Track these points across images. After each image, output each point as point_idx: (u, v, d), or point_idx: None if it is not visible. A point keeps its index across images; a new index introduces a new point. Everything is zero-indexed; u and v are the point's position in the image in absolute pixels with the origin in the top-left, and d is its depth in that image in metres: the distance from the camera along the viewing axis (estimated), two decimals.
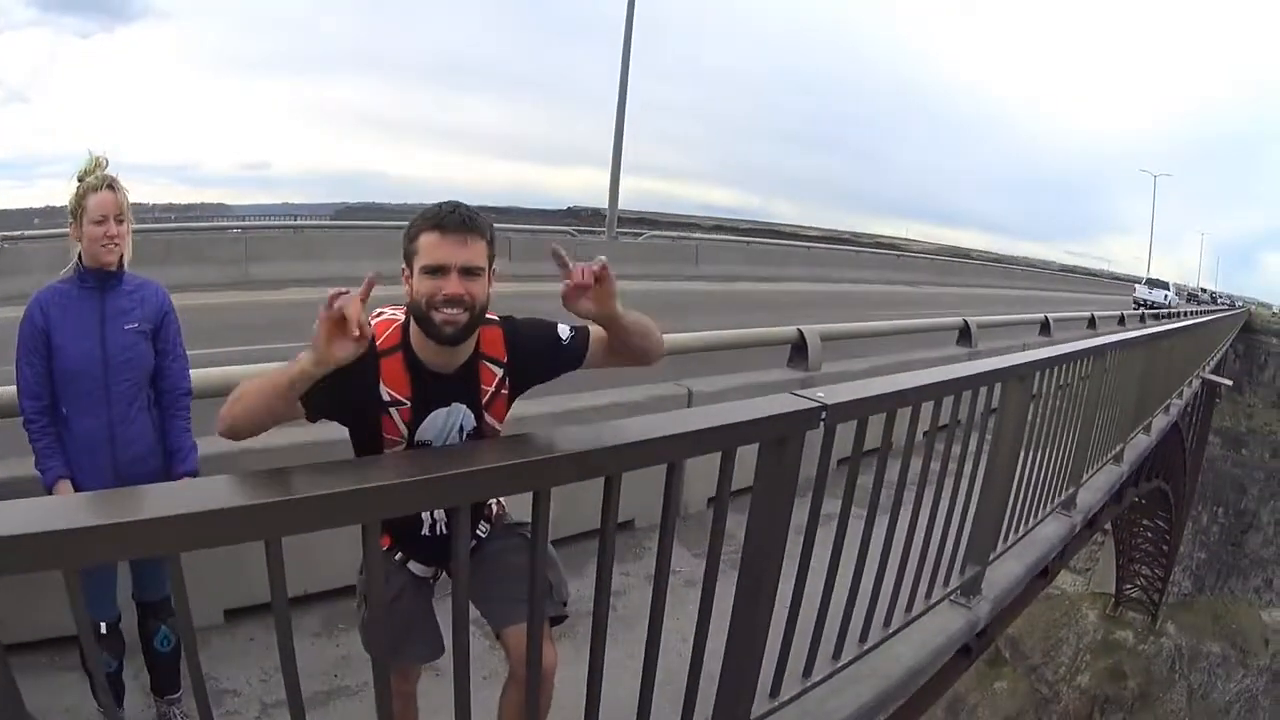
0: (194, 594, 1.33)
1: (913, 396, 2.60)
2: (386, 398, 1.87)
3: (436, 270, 1.79)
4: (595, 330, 1.99)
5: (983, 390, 3.18)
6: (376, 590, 1.67)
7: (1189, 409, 21.70)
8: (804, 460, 2.08)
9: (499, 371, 1.96)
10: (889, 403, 2.47)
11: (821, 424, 2.08)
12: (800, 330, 6.01)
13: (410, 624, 2.13)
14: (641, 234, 26.01)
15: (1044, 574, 7.68)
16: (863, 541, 2.62)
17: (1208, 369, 16.11)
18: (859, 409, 2.28)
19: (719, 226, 54.14)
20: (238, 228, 17.09)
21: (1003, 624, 6.32)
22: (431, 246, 1.79)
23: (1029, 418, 3.69)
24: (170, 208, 48.02)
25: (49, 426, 2.47)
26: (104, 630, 2.54)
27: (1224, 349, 25.12)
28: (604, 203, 21.89)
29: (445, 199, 1.84)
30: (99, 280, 2.51)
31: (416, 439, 1.91)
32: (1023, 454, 3.77)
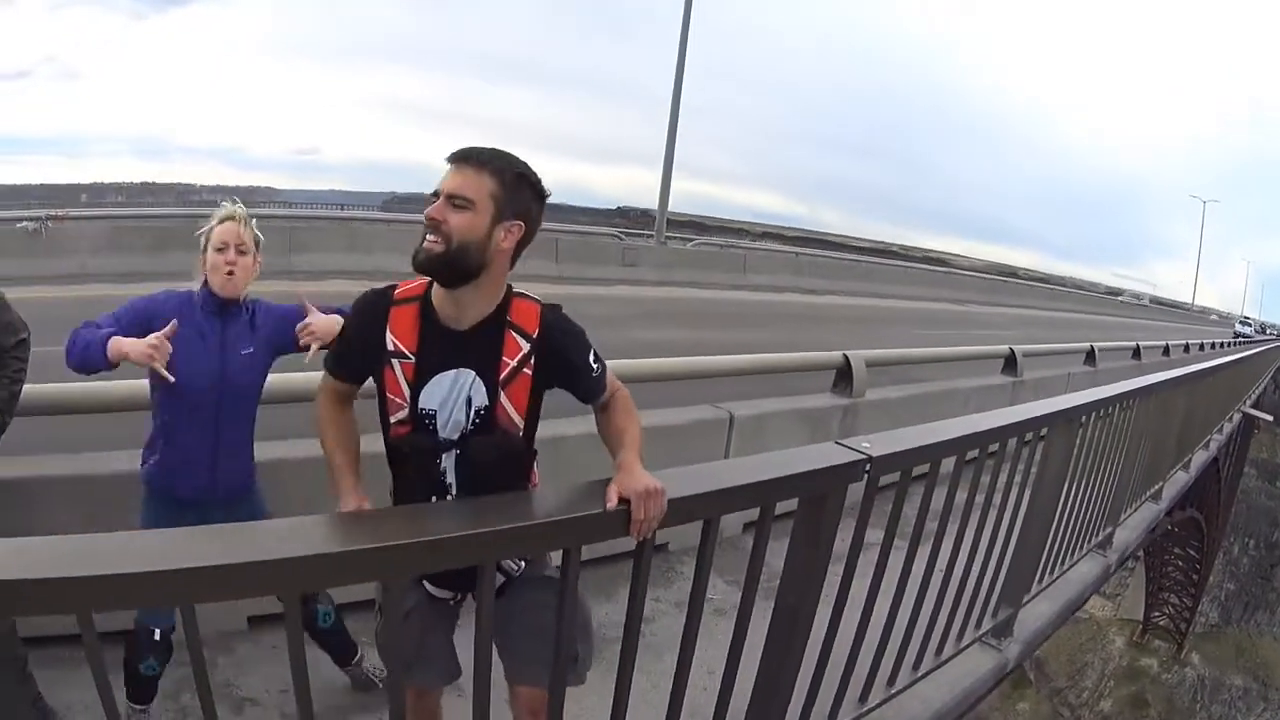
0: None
1: (961, 445, 2.53)
2: (390, 347, 1.78)
3: (434, 196, 1.72)
4: (616, 394, 1.95)
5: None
6: (394, 611, 1.68)
7: (1226, 440, 21.39)
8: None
9: (525, 346, 1.79)
10: (935, 453, 2.40)
11: (865, 475, 2.02)
12: (846, 355, 5.92)
13: (423, 644, 2.00)
14: (690, 240, 25.95)
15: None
16: (900, 582, 2.57)
17: (1249, 403, 15.84)
18: (905, 460, 2.23)
19: (767, 234, 53.98)
20: (283, 217, 17.24)
21: (1030, 649, 6.25)
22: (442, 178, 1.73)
23: (1073, 460, 3.61)
24: (219, 189, 48.58)
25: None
26: (158, 637, 2.59)
27: (1265, 381, 24.66)
28: (652, 203, 21.99)
29: None
30: (219, 307, 2.56)
31: (420, 407, 1.79)
32: (1064, 489, 3.70)
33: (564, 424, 3.46)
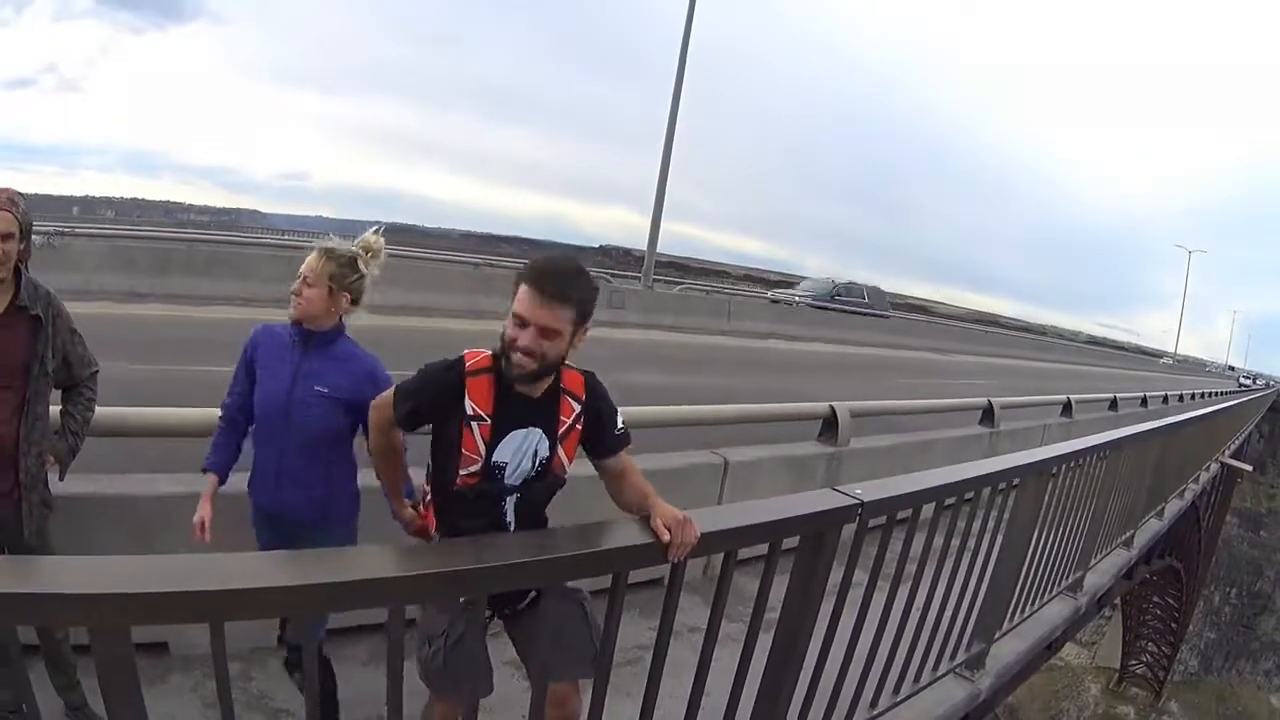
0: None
1: (940, 493, 2.89)
2: (470, 411, 2.08)
3: (521, 321, 2.03)
4: (623, 456, 2.28)
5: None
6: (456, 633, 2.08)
7: (1207, 490, 21.68)
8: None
9: (577, 407, 2.18)
10: (918, 499, 2.78)
11: (857, 518, 2.37)
12: (832, 406, 6.28)
13: (469, 665, 2.22)
14: (676, 284, 26.50)
15: (1048, 646, 7.86)
16: (883, 615, 2.89)
17: (1228, 453, 16.15)
18: (892, 505, 2.60)
19: (749, 277, 54.41)
20: (283, 244, 17.49)
21: (1003, 694, 6.48)
22: (524, 298, 2.03)
23: (1044, 508, 3.94)
24: (206, 210, 49.00)
25: (227, 428, 2.86)
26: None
27: (1247, 431, 25.03)
28: (635, 243, 22.24)
29: (537, 248, 2.23)
30: (302, 336, 2.75)
31: (494, 459, 2.12)
32: (1035, 535, 4.02)
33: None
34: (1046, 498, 3.95)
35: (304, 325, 2.74)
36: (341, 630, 3.49)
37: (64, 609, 1.33)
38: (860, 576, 2.68)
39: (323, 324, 2.76)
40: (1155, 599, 25.67)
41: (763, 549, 2.24)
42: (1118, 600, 20.11)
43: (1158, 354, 66.83)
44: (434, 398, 2.14)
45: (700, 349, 14.98)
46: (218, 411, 2.91)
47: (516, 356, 2.03)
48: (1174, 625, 27.68)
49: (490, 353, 2.14)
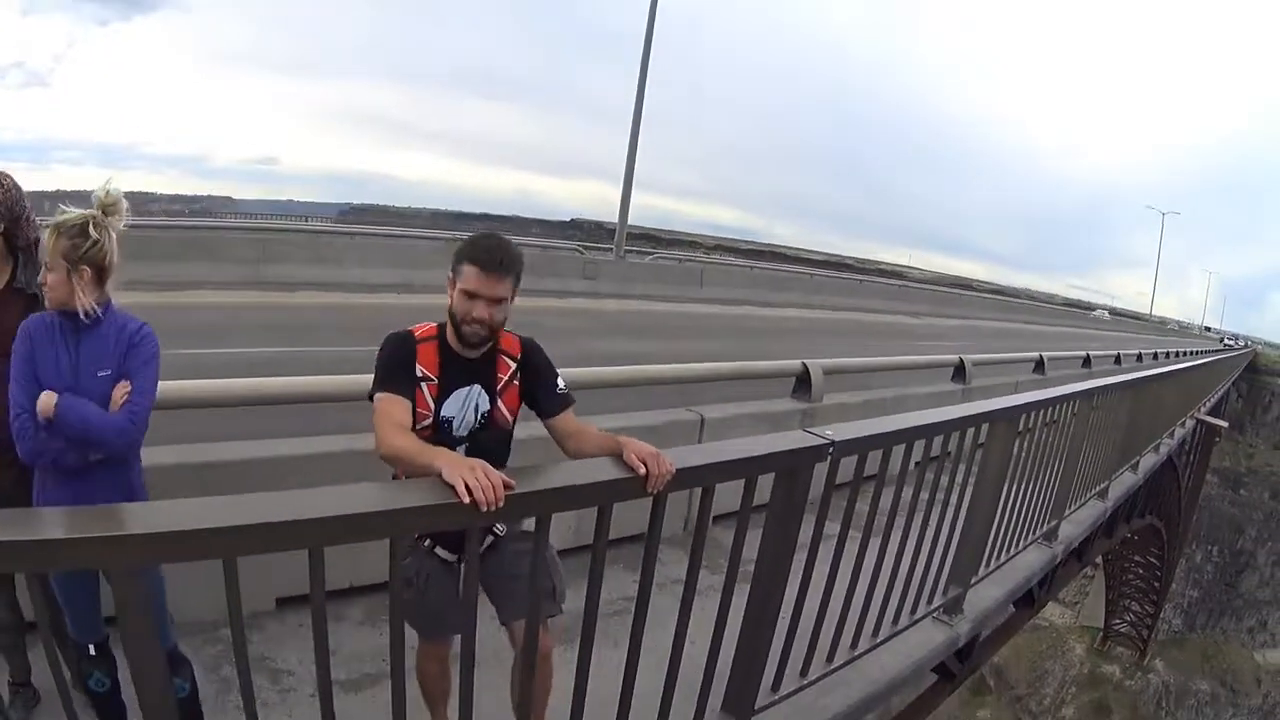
0: (247, 582, 1.61)
1: (910, 435, 2.99)
2: (419, 374, 2.39)
3: (472, 295, 2.34)
4: (569, 416, 2.51)
5: (971, 430, 3.55)
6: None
7: (1186, 447, 21.98)
8: (813, 486, 2.49)
9: (512, 365, 2.49)
10: (888, 440, 2.89)
11: (829, 458, 2.46)
12: (805, 364, 6.39)
13: (443, 603, 2.49)
14: (648, 254, 26.57)
15: (1030, 603, 8.00)
16: (857, 560, 3.00)
17: (1204, 410, 16.41)
18: (862, 445, 2.71)
19: (721, 247, 54.68)
20: (255, 227, 17.38)
21: (987, 651, 6.63)
22: (471, 275, 2.35)
23: (1014, 453, 4.05)
24: (178, 199, 48.69)
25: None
26: (92, 651, 2.56)
27: (1224, 389, 25.37)
28: (606, 216, 22.23)
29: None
30: (70, 322, 2.46)
31: (441, 414, 2.40)
32: (1006, 486, 4.14)
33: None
34: (1017, 447, 4.07)
35: (67, 310, 2.43)
36: (337, 592, 3.60)
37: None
38: (834, 528, 2.80)
39: (82, 305, 2.43)
40: (1137, 558, 26.09)
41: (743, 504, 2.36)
42: (1099, 559, 20.42)
43: (1136, 315, 67.54)
44: (394, 361, 2.40)
45: (674, 317, 15.01)
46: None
47: (472, 328, 2.37)
48: (1156, 584, 28.15)
49: (436, 325, 2.45)
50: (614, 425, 4.96)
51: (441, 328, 2.45)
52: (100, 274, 2.45)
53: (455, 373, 2.42)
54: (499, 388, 2.48)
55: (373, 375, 2.39)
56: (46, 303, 2.45)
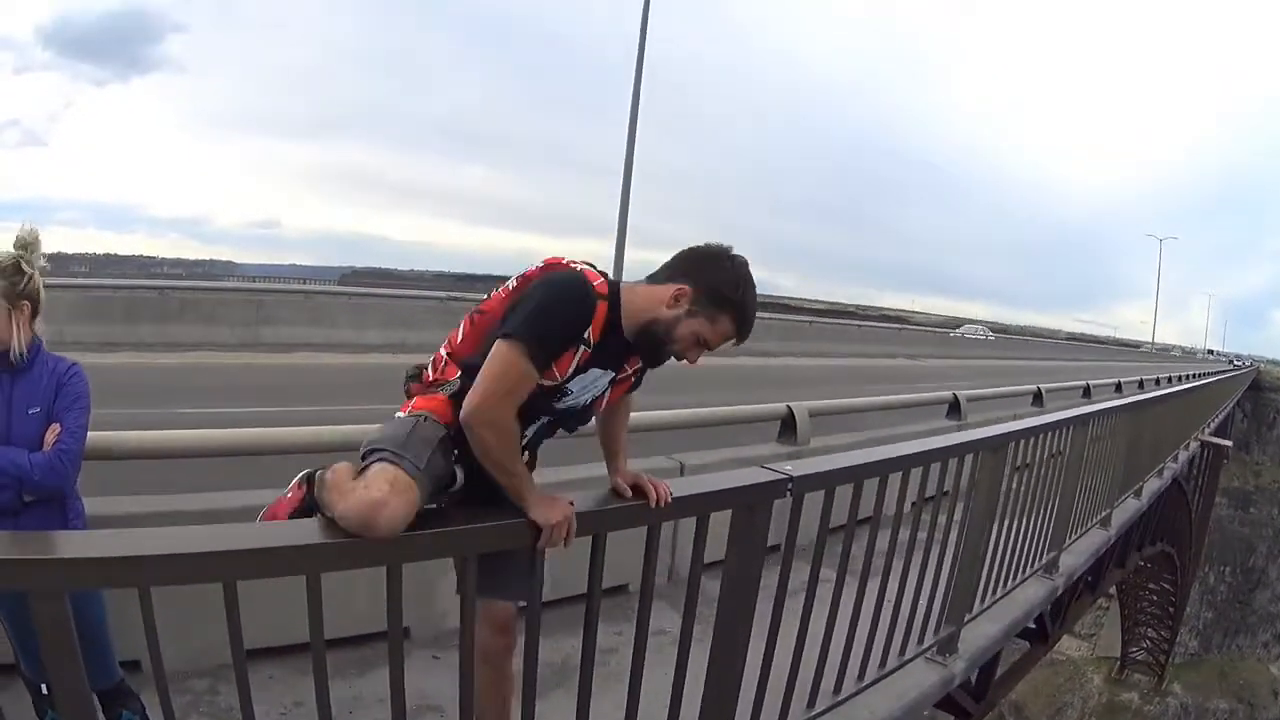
0: (216, 635, 1.59)
1: (875, 470, 2.84)
2: (585, 336, 1.96)
3: (704, 343, 2.06)
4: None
5: (953, 461, 3.42)
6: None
7: (1194, 470, 21.76)
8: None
9: (639, 365, 2.17)
10: (852, 475, 2.74)
11: (788, 494, 2.34)
12: (789, 407, 6.26)
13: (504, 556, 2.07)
14: None
15: (1044, 638, 7.83)
16: (833, 601, 2.85)
17: (1207, 431, 16.25)
18: (824, 481, 2.57)
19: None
20: (252, 290, 17.51)
21: (1003, 689, 6.44)
22: (724, 330, 2.07)
23: (1005, 487, 3.92)
24: (180, 263, 49.16)
25: None
26: (44, 690, 2.44)
27: (1228, 409, 25.19)
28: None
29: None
30: (4, 363, 2.47)
31: (568, 385, 2.02)
32: (1000, 520, 4.00)
33: None
34: (1008, 482, 3.94)
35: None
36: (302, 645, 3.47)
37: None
38: (803, 566, 2.65)
39: (19, 343, 2.46)
40: (1151, 585, 25.80)
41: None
42: (1113, 590, 20.14)
43: (1136, 345, 67.73)
44: (577, 317, 1.97)
45: (669, 370, 14.93)
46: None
47: (668, 353, 2.08)
48: (1171, 609, 27.82)
49: (602, 278, 2.05)
50: (589, 476, 4.82)
51: (613, 288, 2.04)
52: (35, 311, 2.49)
53: (607, 351, 2.02)
54: (620, 378, 2.14)
55: (525, 313, 1.91)
56: None
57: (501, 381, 1.86)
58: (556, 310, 1.93)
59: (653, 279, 2.08)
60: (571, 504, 1.93)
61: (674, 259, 2.09)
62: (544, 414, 2.07)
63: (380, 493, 1.69)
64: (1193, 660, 34.61)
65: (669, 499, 2.04)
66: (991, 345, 38.84)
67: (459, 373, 2.01)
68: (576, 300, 1.95)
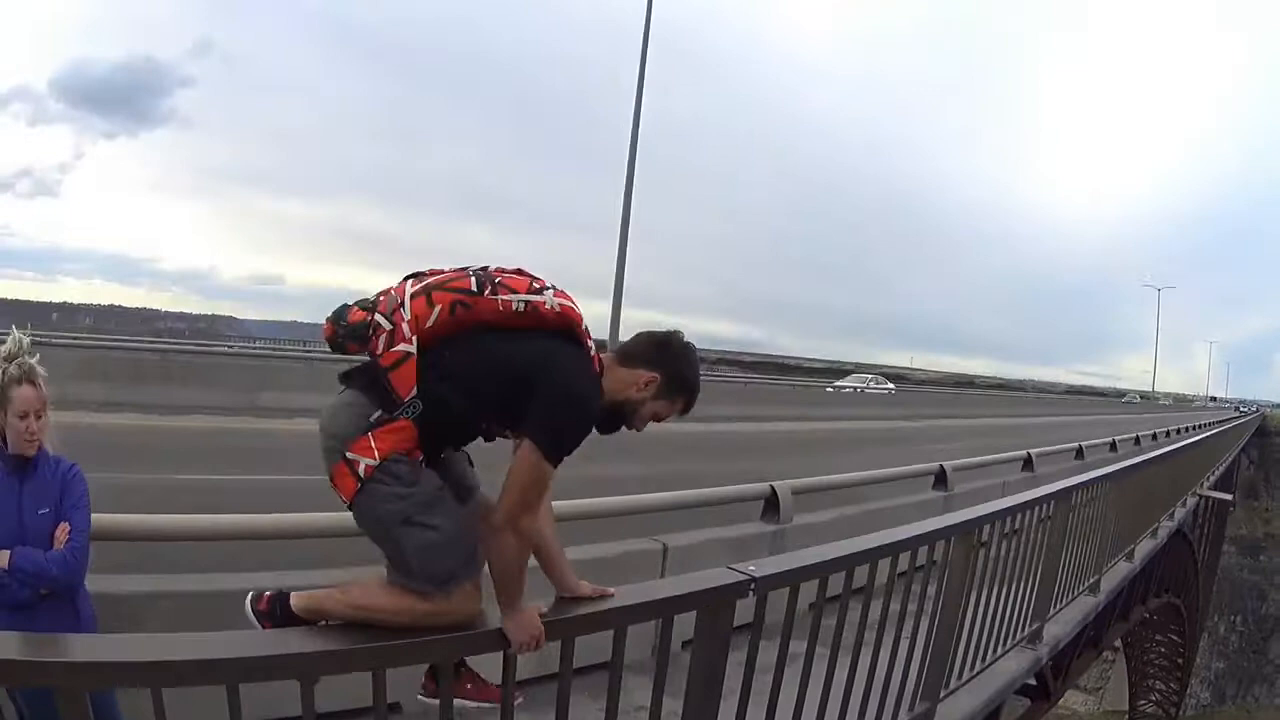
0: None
1: (842, 564, 2.94)
2: None
3: (658, 419, 2.32)
4: None
5: (923, 549, 3.53)
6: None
7: (1198, 520, 21.64)
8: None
9: None
10: (817, 571, 2.86)
11: (751, 593, 2.47)
12: (772, 486, 6.39)
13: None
14: None
15: (1045, 695, 7.79)
16: (802, 678, 2.89)
17: (1206, 485, 16.21)
18: (788, 579, 2.69)
19: (723, 360, 55.35)
20: (254, 354, 17.63)
21: None
22: (676, 409, 2.32)
23: (980, 566, 4.01)
24: (182, 317, 49.59)
25: None
26: None
27: (1231, 458, 25.05)
28: (599, 333, 22.35)
29: None
30: (18, 465, 2.62)
31: None
32: (978, 592, 4.07)
33: None
34: (982, 557, 4.02)
35: (19, 454, 2.62)
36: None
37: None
38: (769, 657, 2.70)
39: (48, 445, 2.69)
40: (1158, 637, 25.48)
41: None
42: (1118, 643, 19.94)
43: (1143, 395, 67.69)
44: (585, 434, 2.15)
45: (662, 435, 14.86)
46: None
47: (636, 426, 2.32)
48: (1180, 660, 27.45)
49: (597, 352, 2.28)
50: (570, 558, 4.87)
51: (600, 367, 2.25)
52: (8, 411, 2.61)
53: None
54: None
55: (554, 430, 2.06)
56: (21, 447, 2.60)
57: (534, 490, 2.05)
58: (583, 428, 2.11)
59: (625, 360, 2.30)
60: (542, 613, 2.12)
61: (640, 346, 2.33)
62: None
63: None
64: (1205, 712, 34.11)
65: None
66: (1001, 402, 38.46)
67: (415, 387, 2.09)
68: (594, 411, 2.16)
